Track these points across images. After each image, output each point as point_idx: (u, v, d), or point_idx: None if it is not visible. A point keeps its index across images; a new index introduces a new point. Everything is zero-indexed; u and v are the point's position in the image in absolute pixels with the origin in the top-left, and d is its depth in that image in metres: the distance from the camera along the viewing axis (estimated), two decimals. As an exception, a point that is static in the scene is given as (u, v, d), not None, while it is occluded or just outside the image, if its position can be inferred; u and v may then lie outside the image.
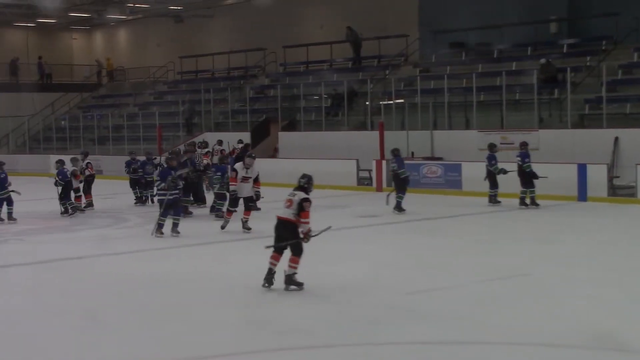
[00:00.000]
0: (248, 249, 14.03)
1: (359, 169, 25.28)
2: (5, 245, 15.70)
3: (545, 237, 15.30)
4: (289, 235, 10.52)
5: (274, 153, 30.27)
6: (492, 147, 19.92)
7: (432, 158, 24.95)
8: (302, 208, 10.47)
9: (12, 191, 18.57)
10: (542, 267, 12.13)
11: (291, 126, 31.03)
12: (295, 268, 10.49)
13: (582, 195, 20.60)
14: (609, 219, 17.89)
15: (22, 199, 19.09)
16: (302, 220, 10.46)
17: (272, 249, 10.66)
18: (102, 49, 49.66)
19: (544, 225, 17.04)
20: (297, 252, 10.51)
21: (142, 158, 22.61)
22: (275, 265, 10.62)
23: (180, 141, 29.70)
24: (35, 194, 21.30)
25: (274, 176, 23.86)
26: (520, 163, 19.24)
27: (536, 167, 19.25)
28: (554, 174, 19.84)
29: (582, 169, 20.61)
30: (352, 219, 18.05)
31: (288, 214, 10.55)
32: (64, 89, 44.45)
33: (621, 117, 23.08)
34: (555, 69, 25.52)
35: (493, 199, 19.84)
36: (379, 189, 23.81)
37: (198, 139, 29.64)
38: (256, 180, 16.94)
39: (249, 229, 15.94)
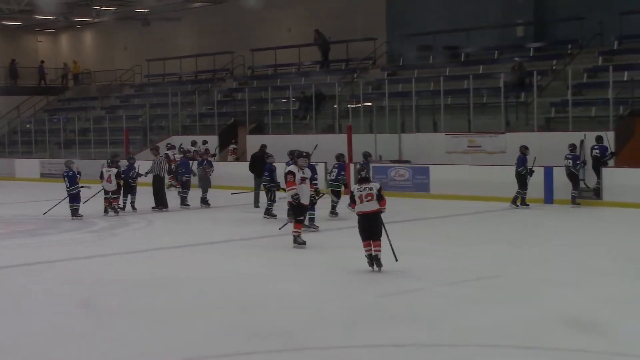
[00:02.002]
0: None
1: (327, 172, 24.91)
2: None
3: (514, 240, 15.39)
4: (380, 223, 11.88)
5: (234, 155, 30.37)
6: (524, 149, 20.07)
7: (400, 161, 25.01)
8: (382, 196, 11.93)
9: (83, 186, 19.32)
10: (511, 269, 12.20)
11: (259, 129, 31.00)
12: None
13: (549, 198, 20.80)
14: (575, 222, 18.04)
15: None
16: (383, 206, 11.94)
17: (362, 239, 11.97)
18: (68, 52, 49.27)
19: (512, 227, 17.16)
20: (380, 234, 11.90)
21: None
22: (371, 250, 11.88)
23: (146, 145, 29.46)
24: (1, 197, 20.95)
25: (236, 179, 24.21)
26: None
27: (504, 170, 19.34)
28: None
29: (548, 172, 20.82)
30: (320, 222, 17.78)
31: (373, 205, 11.82)
32: (30, 92, 44.03)
33: (586, 120, 23.29)
34: (526, 71, 25.68)
35: (522, 201, 20.02)
36: (348, 192, 23.62)
37: (164, 142, 29.76)
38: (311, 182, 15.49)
39: (303, 243, 14.39)
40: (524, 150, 20.11)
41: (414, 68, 29.99)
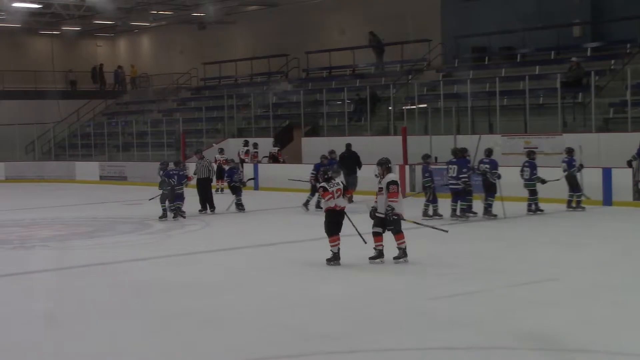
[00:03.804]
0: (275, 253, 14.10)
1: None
2: (31, 252, 15.76)
3: (571, 242, 15.21)
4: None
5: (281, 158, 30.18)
6: (570, 151, 19.75)
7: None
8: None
9: (184, 184, 19.75)
10: (568, 272, 12.04)
11: (314, 131, 31.07)
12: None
13: (608, 200, 20.50)
14: (635, 224, 17.74)
15: (48, 206, 19.21)
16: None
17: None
18: (126, 56, 49.89)
19: (569, 230, 16.95)
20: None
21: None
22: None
23: (203, 147, 29.62)
24: (62, 199, 21.33)
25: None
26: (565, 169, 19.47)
27: (561, 172, 19.37)
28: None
29: (607, 173, 20.54)
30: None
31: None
32: (88, 96, 44.62)
33: (646, 121, 22.92)
34: (583, 71, 25.32)
35: (577, 203, 19.71)
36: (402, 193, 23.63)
37: (220, 145, 30.25)
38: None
39: (404, 257, 12.98)
40: (569, 151, 19.63)
41: (469, 69, 29.78)
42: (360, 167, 23.04)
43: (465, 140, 23.78)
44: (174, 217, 19.49)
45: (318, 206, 19.23)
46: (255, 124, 33.91)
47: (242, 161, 28.42)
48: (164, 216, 19.53)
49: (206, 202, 21.01)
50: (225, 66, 39.98)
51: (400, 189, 12.97)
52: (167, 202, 19.57)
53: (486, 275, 11.86)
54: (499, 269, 12.42)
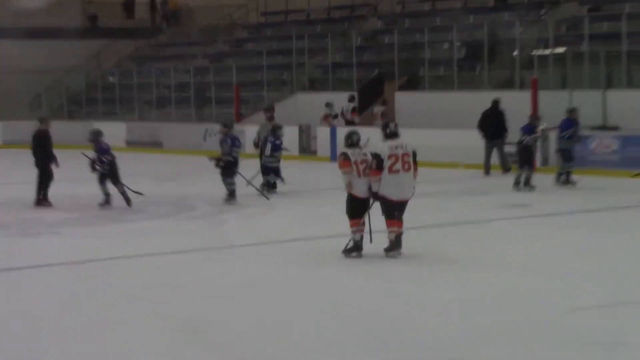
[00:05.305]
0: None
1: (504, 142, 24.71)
2: (37, 240, 15.88)
3: None
4: None
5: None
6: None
7: (605, 127, 24.60)
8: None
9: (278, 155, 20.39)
10: None
11: (412, 84, 30.91)
12: None
13: None
14: None
15: (58, 180, 19.44)
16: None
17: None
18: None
19: None
20: None
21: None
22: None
23: (262, 104, 29.98)
24: (75, 173, 21.36)
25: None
26: None
27: None
28: None
29: None
30: (497, 209, 18.27)
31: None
32: (112, 35, 44.75)
33: None
34: None
35: None
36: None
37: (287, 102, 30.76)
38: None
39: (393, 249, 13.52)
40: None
41: (625, 1, 29.11)
42: (506, 130, 23.64)
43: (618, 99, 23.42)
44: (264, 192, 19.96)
45: None
46: (332, 75, 33.79)
47: (351, 122, 28.69)
48: (106, 202, 19.19)
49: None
50: (293, -3, 39.89)
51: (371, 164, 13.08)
52: (107, 184, 19.17)
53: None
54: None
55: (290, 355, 8.83)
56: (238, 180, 19.36)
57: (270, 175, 20.48)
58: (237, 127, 22.30)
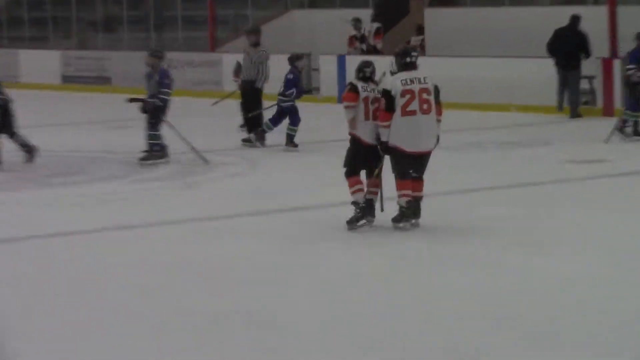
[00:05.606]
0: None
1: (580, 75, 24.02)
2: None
3: None
4: None
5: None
6: None
7: None
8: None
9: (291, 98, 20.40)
10: None
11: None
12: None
13: None
14: None
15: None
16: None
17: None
18: None
19: None
20: None
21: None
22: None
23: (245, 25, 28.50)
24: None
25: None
26: None
27: None
28: None
29: None
30: (561, 165, 17.75)
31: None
32: None
33: None
34: None
35: None
36: (609, 112, 23.03)
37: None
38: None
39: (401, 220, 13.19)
40: None
41: None
42: (588, 56, 23.00)
43: None
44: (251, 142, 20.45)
45: None
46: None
47: (373, 50, 28.26)
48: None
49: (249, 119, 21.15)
50: None
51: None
52: None
53: None
54: None
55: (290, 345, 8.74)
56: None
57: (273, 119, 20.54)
58: (213, 56, 21.82)
